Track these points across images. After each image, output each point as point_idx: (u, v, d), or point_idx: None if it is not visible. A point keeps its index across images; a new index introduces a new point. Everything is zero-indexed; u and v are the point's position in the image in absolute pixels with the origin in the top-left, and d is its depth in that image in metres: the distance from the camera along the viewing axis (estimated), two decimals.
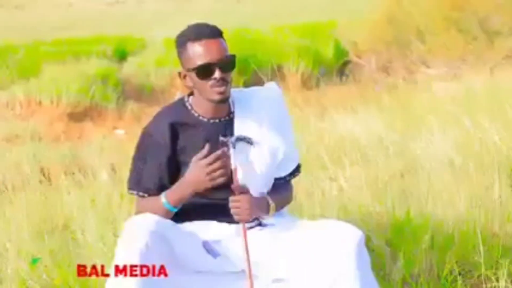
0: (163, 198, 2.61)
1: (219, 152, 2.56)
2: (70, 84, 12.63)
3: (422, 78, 12.29)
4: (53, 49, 15.78)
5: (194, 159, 2.58)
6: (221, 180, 2.56)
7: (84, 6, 30.32)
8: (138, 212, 2.67)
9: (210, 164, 2.54)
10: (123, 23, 21.99)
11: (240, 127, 2.69)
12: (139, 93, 14.14)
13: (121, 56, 16.27)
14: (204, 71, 2.59)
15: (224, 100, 2.64)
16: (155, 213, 2.58)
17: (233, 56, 2.64)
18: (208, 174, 2.54)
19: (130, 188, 2.72)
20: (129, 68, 15.14)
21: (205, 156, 2.56)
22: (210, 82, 2.59)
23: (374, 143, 5.85)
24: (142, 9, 29.14)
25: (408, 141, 5.73)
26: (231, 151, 2.57)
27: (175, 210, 2.62)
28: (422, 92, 9.30)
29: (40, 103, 12.52)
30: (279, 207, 2.72)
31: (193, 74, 2.62)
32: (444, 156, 5.06)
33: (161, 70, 14.63)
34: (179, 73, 2.70)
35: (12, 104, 12.57)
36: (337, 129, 6.70)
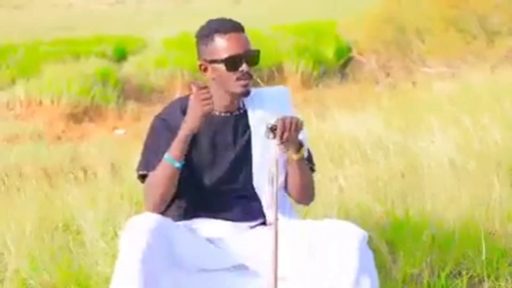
0: (166, 157, 2.59)
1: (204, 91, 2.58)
2: (70, 84, 12.64)
3: (422, 77, 12.29)
4: (53, 49, 15.79)
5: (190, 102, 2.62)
6: (208, 107, 2.57)
7: (84, 6, 30.32)
8: (145, 189, 2.66)
9: (201, 93, 2.57)
10: (123, 23, 22.00)
11: (254, 120, 2.72)
12: (139, 93, 14.15)
13: (121, 56, 16.28)
14: (232, 63, 2.62)
15: (247, 94, 2.67)
16: (160, 180, 2.58)
17: (258, 51, 2.69)
18: (201, 100, 2.56)
19: (140, 170, 2.70)
20: (129, 68, 15.15)
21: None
22: (236, 75, 2.62)
23: (374, 143, 5.85)
24: (142, 9, 29.15)
25: (409, 141, 5.73)
26: (275, 140, 2.52)
27: (180, 165, 2.58)
28: (422, 91, 9.30)
29: (40, 103, 12.54)
30: (306, 166, 2.71)
31: (219, 66, 2.64)
32: (445, 155, 5.06)
33: (160, 70, 14.65)
34: (200, 65, 2.71)
35: (12, 104, 12.58)
36: (337, 128, 6.70)
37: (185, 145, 2.60)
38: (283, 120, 2.50)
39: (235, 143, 2.71)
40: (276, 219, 2.42)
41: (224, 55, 2.62)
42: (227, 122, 2.71)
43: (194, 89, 2.60)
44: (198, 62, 2.72)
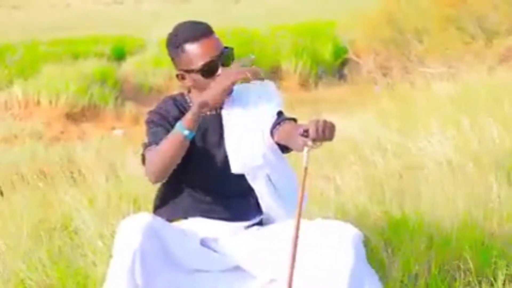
0: (177, 125, 2.52)
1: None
2: (68, 84, 12.62)
3: (420, 77, 12.28)
4: (51, 49, 15.77)
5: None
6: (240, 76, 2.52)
7: (82, 6, 30.31)
8: (147, 160, 2.58)
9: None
10: (121, 23, 21.99)
11: (227, 117, 2.69)
12: (137, 93, 14.14)
13: (119, 56, 16.26)
14: (208, 70, 2.61)
15: (229, 94, 2.64)
16: (168, 150, 2.51)
17: (231, 49, 2.67)
18: (231, 74, 2.52)
19: (143, 151, 2.65)
20: (127, 68, 15.14)
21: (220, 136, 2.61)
22: (214, 79, 2.60)
23: (372, 143, 5.84)
24: (140, 9, 29.14)
25: (407, 141, 5.73)
26: (305, 150, 2.40)
27: (190, 135, 2.52)
28: (420, 91, 9.29)
29: (38, 103, 12.51)
30: None
31: (196, 74, 2.62)
32: (443, 156, 5.06)
33: (159, 70, 14.64)
34: (177, 75, 2.70)
35: (10, 104, 12.56)
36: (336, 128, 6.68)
37: (198, 118, 2.52)
38: (316, 124, 2.37)
39: (223, 141, 2.70)
40: (297, 229, 2.36)
41: (199, 64, 2.60)
42: (214, 120, 2.70)
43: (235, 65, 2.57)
44: (175, 72, 2.70)
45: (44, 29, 20.58)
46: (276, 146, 2.67)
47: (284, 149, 2.68)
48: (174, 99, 2.74)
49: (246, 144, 2.63)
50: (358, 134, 6.19)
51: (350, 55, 16.36)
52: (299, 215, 2.36)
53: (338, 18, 16.89)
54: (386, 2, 15.73)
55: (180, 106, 2.71)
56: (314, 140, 2.36)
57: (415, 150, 5.45)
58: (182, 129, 2.50)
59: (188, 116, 2.52)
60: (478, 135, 5.45)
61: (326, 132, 2.35)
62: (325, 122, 2.37)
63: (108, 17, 25.02)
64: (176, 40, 2.65)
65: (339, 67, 16.63)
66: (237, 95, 2.72)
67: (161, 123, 2.65)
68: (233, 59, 2.66)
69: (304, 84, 15.54)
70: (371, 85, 13.28)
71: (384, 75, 14.68)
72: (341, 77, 16.03)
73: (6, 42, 16.46)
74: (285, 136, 2.57)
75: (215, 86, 2.54)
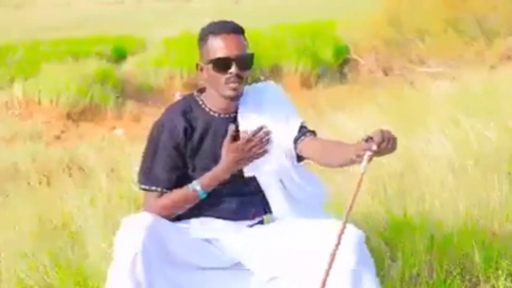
0: (196, 185, 2.61)
1: (249, 133, 2.57)
2: (69, 84, 12.62)
3: (420, 77, 12.28)
4: (52, 49, 15.75)
5: (225, 143, 2.61)
6: (261, 155, 2.58)
7: (83, 6, 30.32)
8: (153, 208, 2.64)
9: (250, 141, 2.57)
10: (122, 23, 21.98)
11: (244, 122, 2.70)
12: (138, 93, 14.13)
13: (120, 56, 16.25)
14: (220, 65, 2.61)
15: (236, 97, 2.66)
16: (178, 204, 2.62)
17: (251, 55, 2.66)
18: (249, 150, 2.56)
19: (141, 183, 2.70)
20: (128, 68, 15.12)
21: (234, 138, 2.60)
22: (225, 77, 2.61)
23: None
24: (141, 9, 29.14)
25: (407, 141, 5.72)
26: (366, 154, 2.36)
27: (205, 195, 2.63)
28: (421, 91, 9.29)
29: (39, 103, 12.52)
30: None
31: (210, 67, 2.63)
32: (443, 155, 5.06)
33: (160, 70, 14.62)
34: (197, 65, 2.72)
35: (11, 104, 12.56)
36: (336, 128, 6.70)
37: (218, 182, 2.62)
38: (382, 132, 2.38)
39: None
40: (341, 236, 2.33)
41: (213, 56, 2.62)
42: (224, 123, 2.70)
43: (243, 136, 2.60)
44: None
45: (45, 28, 20.57)
46: (294, 154, 2.70)
47: (300, 158, 2.72)
48: (181, 110, 2.72)
49: None
50: (359, 134, 6.19)
51: (351, 54, 16.38)
52: (346, 221, 2.35)
53: (339, 18, 16.89)
54: (387, 2, 15.75)
55: (187, 115, 2.70)
56: (378, 146, 2.34)
57: (416, 150, 5.44)
58: (200, 191, 2.62)
59: (209, 178, 2.62)
60: (479, 135, 5.45)
61: (390, 142, 2.37)
62: (390, 132, 2.39)
63: (109, 17, 25.02)
64: (203, 33, 2.68)
65: (340, 66, 16.63)
66: (249, 98, 2.74)
67: (164, 144, 2.67)
68: (250, 66, 2.65)
69: (305, 84, 15.53)
70: (372, 84, 13.28)
71: (385, 74, 14.70)
72: (342, 76, 16.03)
73: (7, 41, 16.45)
74: (312, 152, 2.64)
75: (236, 161, 2.59)
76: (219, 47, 2.61)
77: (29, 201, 4.74)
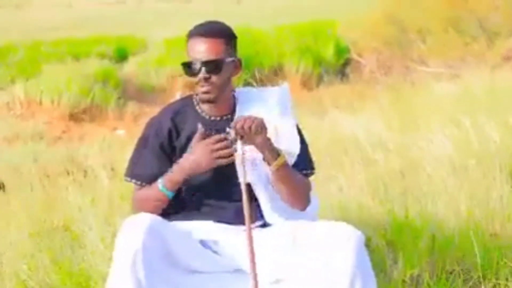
0: (159, 182, 2.63)
1: (221, 135, 2.57)
2: (71, 84, 12.62)
3: (421, 77, 12.28)
4: (53, 49, 15.77)
5: (194, 140, 2.61)
6: (224, 161, 2.57)
7: (84, 6, 30.31)
8: (134, 200, 2.72)
9: (213, 144, 2.56)
10: (123, 23, 21.97)
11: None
12: (140, 93, 14.14)
13: (121, 56, 16.26)
14: (188, 68, 2.63)
15: (208, 100, 2.65)
16: (150, 200, 2.64)
17: (220, 60, 2.62)
18: (211, 152, 2.56)
19: (125, 175, 2.76)
20: (130, 68, 15.14)
21: (203, 138, 2.59)
22: (195, 80, 2.63)
23: (374, 143, 5.84)
24: (142, 9, 29.14)
25: (408, 141, 5.73)
26: (238, 142, 2.52)
27: (171, 195, 2.64)
28: (422, 91, 9.30)
29: (40, 103, 12.53)
30: (289, 173, 2.64)
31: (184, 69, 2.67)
32: (444, 155, 5.06)
33: (161, 70, 14.63)
34: None
35: (12, 104, 12.57)
36: (337, 128, 6.70)
37: (181, 183, 2.63)
38: (243, 117, 2.50)
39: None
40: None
41: (186, 59, 2.64)
42: (217, 126, 2.69)
43: (199, 132, 2.61)
44: None
45: (46, 29, 20.57)
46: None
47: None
48: (173, 111, 2.74)
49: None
50: (360, 134, 6.19)
51: (352, 55, 16.37)
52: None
53: (340, 18, 16.88)
54: (388, 2, 15.74)
55: (177, 116, 2.72)
56: (236, 129, 2.49)
57: (417, 150, 5.45)
58: (164, 190, 2.63)
59: (174, 177, 2.61)
60: (480, 134, 5.45)
61: (248, 125, 2.49)
62: (254, 117, 2.51)
63: (110, 17, 25.03)
64: (187, 34, 2.68)
65: (341, 66, 16.63)
66: (251, 102, 2.73)
67: (151, 142, 2.71)
68: (219, 71, 2.61)
69: (306, 84, 15.54)
70: (373, 84, 13.27)
71: (386, 75, 14.69)
72: (343, 76, 16.03)
73: (8, 41, 16.46)
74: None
75: (200, 157, 2.58)
76: (190, 49, 2.62)
77: (30, 202, 4.74)
